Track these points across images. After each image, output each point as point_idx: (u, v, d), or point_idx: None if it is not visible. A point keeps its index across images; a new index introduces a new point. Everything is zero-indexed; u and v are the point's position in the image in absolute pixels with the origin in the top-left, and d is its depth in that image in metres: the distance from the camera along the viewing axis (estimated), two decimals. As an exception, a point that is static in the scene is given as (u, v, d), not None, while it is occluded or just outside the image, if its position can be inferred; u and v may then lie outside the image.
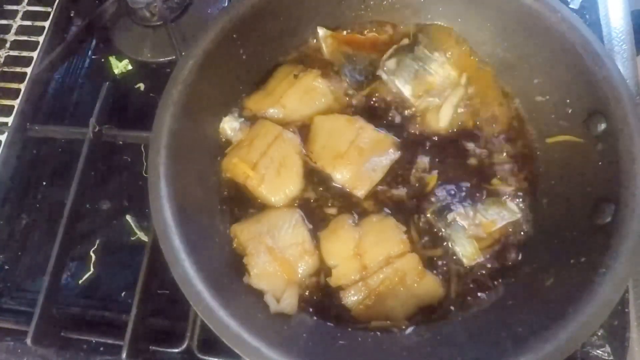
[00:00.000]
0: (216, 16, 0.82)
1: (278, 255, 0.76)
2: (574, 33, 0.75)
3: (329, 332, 0.73)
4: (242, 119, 0.86)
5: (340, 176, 0.81)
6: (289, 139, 0.83)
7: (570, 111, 0.77)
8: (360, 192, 0.80)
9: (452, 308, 0.75)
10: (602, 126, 0.71)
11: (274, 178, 0.80)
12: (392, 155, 0.82)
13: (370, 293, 0.74)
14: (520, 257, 0.77)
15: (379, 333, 0.73)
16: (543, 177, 0.81)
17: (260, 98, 0.88)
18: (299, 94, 0.86)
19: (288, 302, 0.73)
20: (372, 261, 0.75)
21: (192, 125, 0.78)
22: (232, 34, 0.81)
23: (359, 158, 0.81)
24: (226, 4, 1.11)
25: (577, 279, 0.65)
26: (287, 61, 0.92)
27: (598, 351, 0.76)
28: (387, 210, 0.80)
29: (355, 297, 0.74)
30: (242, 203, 0.82)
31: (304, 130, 0.86)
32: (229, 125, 0.85)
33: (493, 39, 0.87)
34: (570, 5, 1.00)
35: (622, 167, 0.67)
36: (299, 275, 0.76)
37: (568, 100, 0.77)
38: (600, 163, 0.71)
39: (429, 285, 0.75)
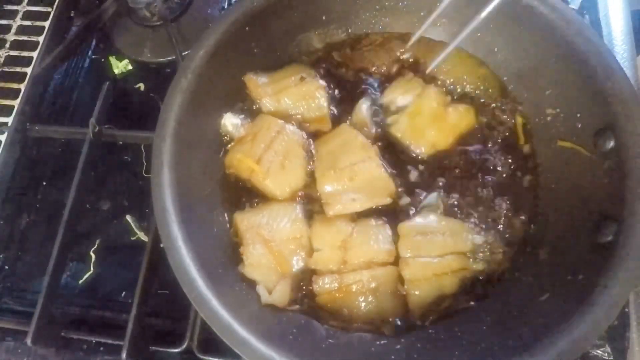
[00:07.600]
0: (230, 8, 0.81)
1: (274, 248, 0.76)
2: (589, 46, 0.73)
3: (318, 329, 0.73)
4: (243, 116, 0.86)
5: (322, 186, 0.79)
6: (292, 132, 0.83)
7: (579, 126, 0.75)
8: (330, 211, 0.77)
9: (418, 324, 0.74)
10: (611, 143, 0.69)
11: (279, 171, 0.80)
12: (380, 198, 0.79)
13: (341, 288, 0.74)
14: (517, 274, 0.75)
15: (367, 335, 0.73)
16: (547, 190, 0.80)
17: (263, 83, 0.87)
18: (297, 96, 0.86)
19: (279, 294, 0.73)
20: (354, 259, 0.75)
21: (200, 115, 0.78)
22: (245, 26, 0.80)
23: (348, 182, 0.79)
24: (226, 5, 1.11)
25: (573, 296, 0.64)
26: (300, 60, 0.91)
27: (598, 351, 0.76)
28: (385, 219, 0.79)
29: (326, 286, 0.74)
30: (245, 195, 0.82)
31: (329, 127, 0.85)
32: (230, 122, 0.85)
33: (507, 47, 0.85)
34: (571, 5, 1.00)
35: (627, 187, 0.66)
36: (293, 270, 0.76)
37: (579, 115, 0.76)
38: (606, 181, 0.70)
39: (396, 301, 0.74)
